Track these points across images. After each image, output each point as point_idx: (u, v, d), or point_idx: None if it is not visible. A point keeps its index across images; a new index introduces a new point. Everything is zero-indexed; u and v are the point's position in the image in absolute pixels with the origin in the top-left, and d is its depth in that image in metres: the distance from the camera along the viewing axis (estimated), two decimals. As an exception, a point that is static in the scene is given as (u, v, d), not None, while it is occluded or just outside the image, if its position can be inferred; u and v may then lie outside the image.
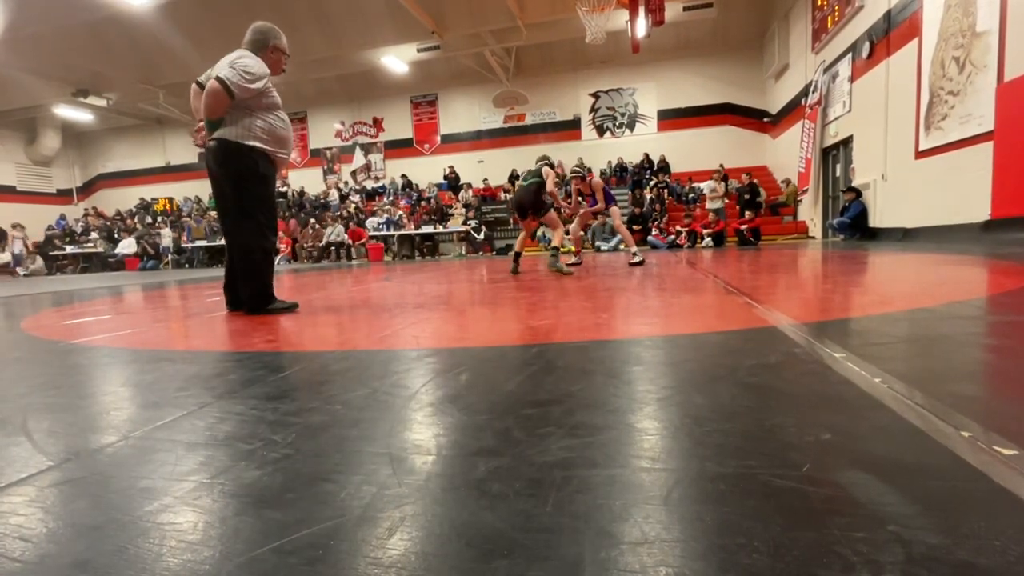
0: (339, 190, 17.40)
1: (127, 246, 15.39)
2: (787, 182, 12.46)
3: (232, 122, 2.79)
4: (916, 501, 0.62)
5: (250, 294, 2.87)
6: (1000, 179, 5.62)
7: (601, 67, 15.70)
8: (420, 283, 4.77)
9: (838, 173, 10.32)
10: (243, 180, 2.82)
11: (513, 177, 14.76)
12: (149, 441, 0.97)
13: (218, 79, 2.66)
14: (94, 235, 16.40)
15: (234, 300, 2.99)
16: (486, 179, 16.11)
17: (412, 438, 0.94)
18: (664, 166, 14.98)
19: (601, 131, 16.13)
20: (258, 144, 2.81)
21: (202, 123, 2.80)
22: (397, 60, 14.14)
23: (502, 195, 15.09)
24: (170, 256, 15.04)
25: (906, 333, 1.65)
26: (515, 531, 0.61)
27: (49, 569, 0.58)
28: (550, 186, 5.21)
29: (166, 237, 15.41)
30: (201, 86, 2.88)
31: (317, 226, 14.36)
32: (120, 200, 19.70)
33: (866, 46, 8.48)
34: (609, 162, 15.66)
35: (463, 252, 13.94)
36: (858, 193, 8.81)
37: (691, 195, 13.40)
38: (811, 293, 2.80)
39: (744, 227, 10.51)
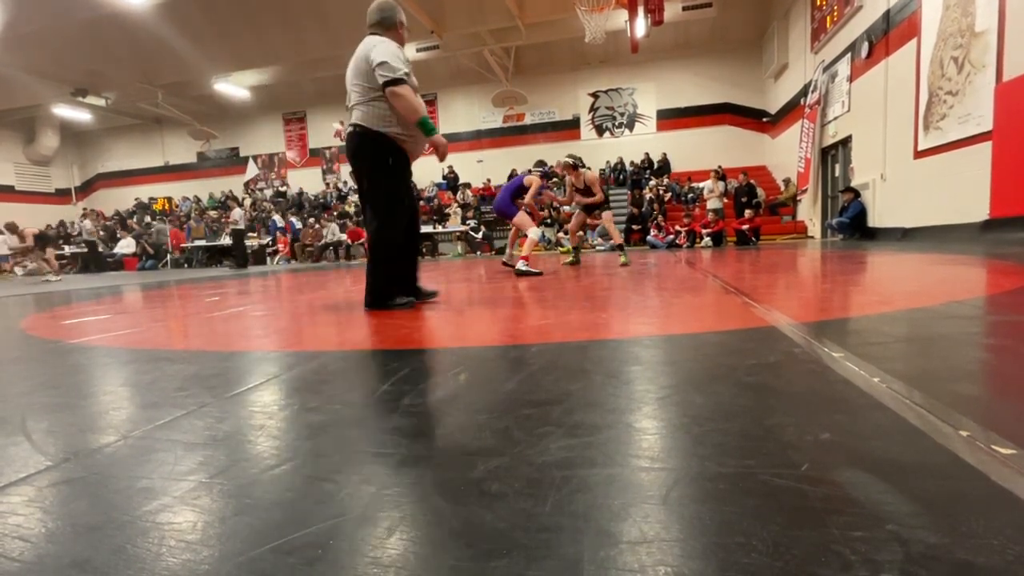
0: (338, 190, 17.37)
1: (126, 246, 15.34)
2: (787, 181, 12.47)
3: (366, 106, 2.63)
4: (915, 500, 0.62)
5: (367, 290, 2.79)
6: (999, 179, 5.62)
7: (600, 67, 15.70)
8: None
9: (837, 173, 10.32)
10: (373, 170, 2.72)
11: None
12: (148, 441, 0.97)
13: (394, 81, 2.50)
14: (91, 230, 16.29)
15: (408, 290, 2.90)
16: (489, 179, 16.09)
17: (412, 437, 0.94)
18: (664, 165, 14.98)
19: (600, 131, 16.13)
20: (391, 131, 2.66)
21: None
22: (396, 60, 14.10)
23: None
24: (169, 256, 14.97)
25: (905, 333, 1.65)
26: (514, 531, 0.61)
27: (48, 569, 0.58)
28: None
29: (162, 234, 15.23)
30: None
31: (316, 225, 14.36)
32: (119, 200, 19.68)
33: (865, 46, 8.49)
34: (608, 162, 15.66)
35: (461, 252, 13.94)
36: (857, 193, 8.81)
37: (690, 195, 13.41)
38: (810, 293, 2.80)
39: (744, 227, 10.52)
